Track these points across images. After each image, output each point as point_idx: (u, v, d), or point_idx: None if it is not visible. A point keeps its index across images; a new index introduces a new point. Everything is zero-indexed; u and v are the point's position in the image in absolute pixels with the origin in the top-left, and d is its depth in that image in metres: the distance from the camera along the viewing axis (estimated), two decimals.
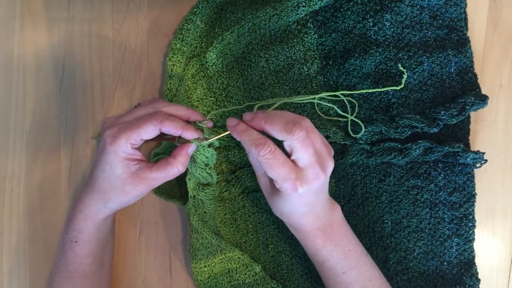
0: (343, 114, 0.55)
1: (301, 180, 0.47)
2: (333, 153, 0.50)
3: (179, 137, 0.50)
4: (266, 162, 0.47)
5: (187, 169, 0.51)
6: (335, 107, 0.55)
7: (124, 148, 0.47)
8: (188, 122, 0.50)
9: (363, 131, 0.55)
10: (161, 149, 0.56)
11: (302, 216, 0.50)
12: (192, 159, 0.51)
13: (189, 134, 0.49)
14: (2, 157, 0.60)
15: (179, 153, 0.49)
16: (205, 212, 0.55)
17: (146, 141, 0.54)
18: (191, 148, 0.49)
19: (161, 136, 0.54)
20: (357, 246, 0.52)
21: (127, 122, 0.48)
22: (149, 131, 0.47)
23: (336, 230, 0.51)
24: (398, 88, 0.55)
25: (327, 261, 0.51)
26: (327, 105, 0.56)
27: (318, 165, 0.47)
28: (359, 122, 0.55)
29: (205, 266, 0.57)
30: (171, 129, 0.48)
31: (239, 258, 0.57)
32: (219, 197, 0.58)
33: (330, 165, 0.49)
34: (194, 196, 0.54)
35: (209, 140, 0.50)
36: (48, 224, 0.60)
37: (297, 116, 0.48)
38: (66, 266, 0.52)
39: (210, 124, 0.51)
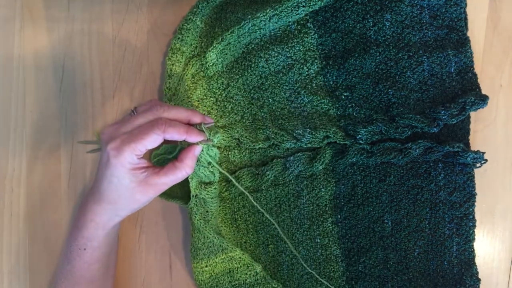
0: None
1: None
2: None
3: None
4: None
5: None
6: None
7: (129, 160, 0.46)
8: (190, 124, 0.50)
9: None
10: (161, 149, 0.56)
11: None
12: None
13: (194, 137, 0.48)
14: (2, 157, 0.60)
15: (186, 156, 0.49)
16: (207, 211, 0.55)
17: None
18: (197, 150, 0.49)
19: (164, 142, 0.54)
20: None
21: (130, 133, 0.46)
22: (153, 141, 0.46)
23: None
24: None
25: None
26: (327, 105, 0.57)
27: None
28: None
29: (206, 266, 0.57)
30: (175, 135, 0.47)
31: (240, 258, 0.57)
32: (219, 197, 0.58)
33: None
34: (196, 195, 0.54)
35: (214, 141, 0.49)
36: (48, 224, 0.60)
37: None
38: (73, 273, 0.51)
39: (211, 123, 0.51)
